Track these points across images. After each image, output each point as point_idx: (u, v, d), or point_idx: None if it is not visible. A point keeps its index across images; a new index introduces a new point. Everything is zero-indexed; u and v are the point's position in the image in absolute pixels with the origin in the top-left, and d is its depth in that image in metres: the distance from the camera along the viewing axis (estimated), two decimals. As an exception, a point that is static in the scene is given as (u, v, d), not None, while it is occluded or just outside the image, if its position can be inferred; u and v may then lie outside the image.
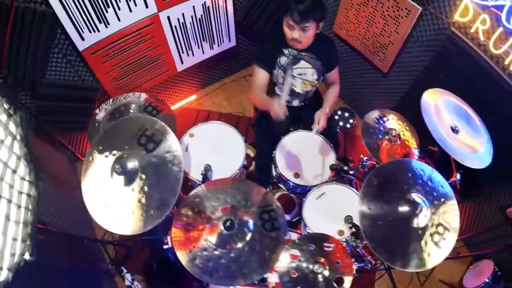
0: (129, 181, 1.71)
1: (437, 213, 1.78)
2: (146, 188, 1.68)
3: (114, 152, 1.78)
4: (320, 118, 2.27)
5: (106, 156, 1.79)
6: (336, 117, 3.55)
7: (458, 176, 2.33)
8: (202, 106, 3.85)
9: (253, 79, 2.37)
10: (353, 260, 2.23)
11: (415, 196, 1.77)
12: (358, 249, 2.05)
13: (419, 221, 1.72)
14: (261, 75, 2.33)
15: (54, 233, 2.28)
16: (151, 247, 2.82)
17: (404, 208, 1.74)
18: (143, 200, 1.66)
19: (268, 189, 2.62)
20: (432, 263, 1.68)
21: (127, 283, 2.58)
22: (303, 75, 2.39)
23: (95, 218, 1.69)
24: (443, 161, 2.20)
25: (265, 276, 2.06)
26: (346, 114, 3.56)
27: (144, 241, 2.78)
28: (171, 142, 1.73)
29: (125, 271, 2.62)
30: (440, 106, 2.16)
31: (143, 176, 1.71)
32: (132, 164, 1.73)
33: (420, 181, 1.81)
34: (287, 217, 2.65)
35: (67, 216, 2.59)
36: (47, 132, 2.81)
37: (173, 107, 3.74)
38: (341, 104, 3.96)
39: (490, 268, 2.79)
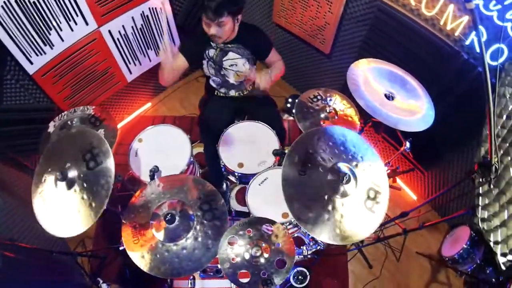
0: (70, 185, 1.79)
1: (364, 178, 1.75)
2: (86, 185, 1.77)
3: (60, 162, 1.86)
4: (261, 76, 2.29)
5: (50, 171, 1.88)
6: (288, 105, 3.59)
7: (408, 144, 2.37)
8: (157, 113, 3.93)
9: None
10: (312, 243, 2.29)
11: (343, 166, 1.75)
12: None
13: (345, 192, 1.70)
14: (179, 60, 2.37)
15: (24, 248, 2.36)
16: (123, 254, 2.86)
17: (330, 177, 1.73)
18: (85, 196, 1.74)
19: (226, 184, 2.67)
20: (369, 231, 1.66)
21: (104, 293, 2.64)
22: (234, 66, 2.44)
23: (47, 229, 1.77)
24: (391, 131, 2.23)
25: (219, 267, 2.12)
26: (296, 101, 3.59)
27: (115, 249, 2.83)
28: (109, 167, 1.77)
29: (101, 281, 2.68)
30: (370, 75, 2.20)
31: (82, 175, 1.80)
32: (72, 173, 1.81)
33: (340, 147, 1.80)
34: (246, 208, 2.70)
35: (37, 232, 2.66)
36: (10, 157, 2.88)
37: (129, 117, 3.82)
38: (292, 91, 4.03)
39: (466, 233, 2.79)
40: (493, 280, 2.52)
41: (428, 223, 2.81)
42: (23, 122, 2.80)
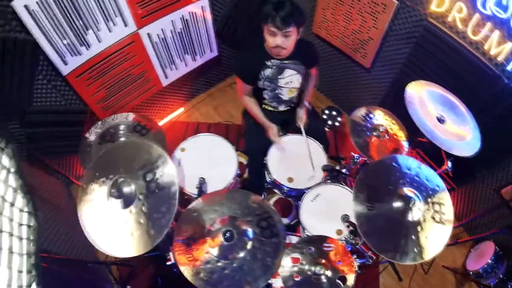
0: (126, 204, 1.73)
1: (430, 206, 1.81)
2: (144, 209, 1.70)
3: (111, 176, 1.79)
4: (301, 115, 2.47)
5: (103, 181, 1.80)
6: (324, 117, 3.58)
7: (449, 164, 2.37)
8: (190, 118, 3.86)
9: (238, 86, 2.46)
10: (354, 257, 2.27)
11: (407, 191, 1.81)
12: (357, 246, 2.08)
13: (414, 215, 1.77)
14: (244, 86, 2.41)
15: (57, 259, 2.29)
16: (155, 263, 2.82)
17: (397, 204, 1.78)
18: (142, 221, 1.67)
19: (263, 195, 2.64)
20: (430, 254, 1.71)
21: (134, 301, 2.59)
22: (289, 84, 2.40)
23: (96, 245, 1.71)
24: (434, 150, 2.23)
25: (269, 282, 2.09)
26: (334, 113, 3.59)
27: (147, 258, 2.78)
28: (174, 192, 1.71)
29: (131, 289, 2.64)
30: (425, 98, 2.20)
31: (141, 197, 1.72)
32: (128, 188, 1.75)
33: (409, 176, 1.86)
34: (286, 220, 2.68)
35: (68, 241, 2.59)
36: (39, 159, 2.81)
37: (161, 122, 3.76)
38: (328, 103, 4.00)
39: (491, 249, 2.84)
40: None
41: (461, 240, 2.85)
42: (54, 124, 2.73)
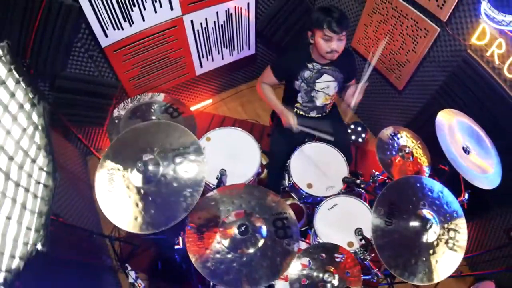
0: (147, 180, 1.72)
1: (446, 231, 1.82)
2: (164, 190, 1.70)
3: (140, 150, 1.78)
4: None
5: (130, 154, 1.78)
6: (349, 131, 3.58)
7: (466, 195, 2.37)
8: (217, 111, 3.88)
9: (264, 75, 2.44)
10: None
11: (426, 212, 1.80)
12: (365, 262, 2.08)
13: (429, 237, 1.76)
14: (271, 79, 2.40)
15: (64, 225, 2.31)
16: (158, 246, 2.83)
17: (415, 223, 1.77)
18: (159, 201, 1.67)
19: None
20: (437, 279, 1.71)
21: (131, 280, 2.59)
22: (325, 89, 2.41)
23: (106, 214, 1.67)
24: (452, 180, 2.24)
25: (272, 283, 2.09)
26: (359, 128, 3.58)
27: (151, 240, 2.79)
28: (202, 180, 1.71)
29: (129, 268, 2.64)
30: (454, 127, 2.20)
31: (163, 179, 1.72)
32: (155, 166, 1.74)
33: (430, 199, 1.86)
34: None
35: (77, 210, 2.62)
36: (63, 124, 2.83)
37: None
38: (354, 118, 4.00)
39: (491, 288, 2.82)
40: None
41: (465, 274, 2.81)
42: (83, 93, 2.76)
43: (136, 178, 1.72)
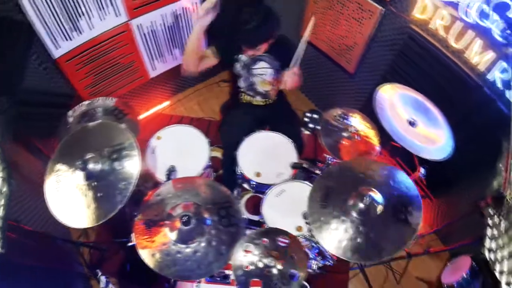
0: (89, 177, 1.78)
1: (390, 204, 1.79)
2: (103, 183, 1.77)
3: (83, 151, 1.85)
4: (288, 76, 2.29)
5: (73, 156, 1.86)
6: (306, 119, 3.61)
7: (422, 170, 2.39)
8: (175, 112, 3.92)
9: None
10: (319, 258, 2.29)
11: (366, 190, 1.79)
12: (317, 245, 2.10)
13: (374, 213, 1.74)
14: (209, 53, 2.38)
15: (28, 231, 2.34)
16: (125, 249, 2.85)
17: (353, 203, 1.77)
18: (99, 194, 1.75)
19: (237, 191, 2.67)
20: (389, 254, 1.68)
21: (102, 285, 2.61)
22: (263, 75, 2.46)
23: (54, 214, 1.76)
24: (407, 156, 2.25)
25: (227, 273, 2.12)
26: (316, 116, 3.62)
27: (118, 243, 2.82)
28: (134, 173, 1.77)
29: (100, 273, 2.66)
30: (396, 101, 2.22)
31: (103, 174, 1.79)
32: (93, 166, 1.80)
33: (370, 177, 1.86)
34: (256, 217, 2.69)
35: (43, 217, 2.64)
36: (24, 137, 2.87)
37: (147, 113, 3.82)
38: (311, 106, 4.04)
39: (467, 263, 2.79)
40: (488, 311, 2.54)
41: (433, 250, 2.82)
42: (41, 104, 2.79)
43: (79, 176, 1.80)
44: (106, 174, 1.78)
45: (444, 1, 2.28)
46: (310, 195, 1.85)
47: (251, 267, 1.76)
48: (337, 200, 1.80)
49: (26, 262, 2.20)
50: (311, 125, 3.57)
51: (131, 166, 1.78)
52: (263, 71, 2.44)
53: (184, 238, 1.77)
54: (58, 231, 2.78)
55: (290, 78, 2.24)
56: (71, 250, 2.89)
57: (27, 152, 2.99)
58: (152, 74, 3.41)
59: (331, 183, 1.87)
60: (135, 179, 1.73)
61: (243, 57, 2.39)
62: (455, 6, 2.22)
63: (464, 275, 2.71)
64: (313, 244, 2.13)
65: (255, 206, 2.76)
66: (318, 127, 3.56)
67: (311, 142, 3.22)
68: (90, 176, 1.78)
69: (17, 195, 2.44)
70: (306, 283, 2.32)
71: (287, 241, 1.85)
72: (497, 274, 1.90)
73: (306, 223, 2.08)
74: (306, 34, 2.10)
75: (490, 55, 2.21)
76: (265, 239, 1.84)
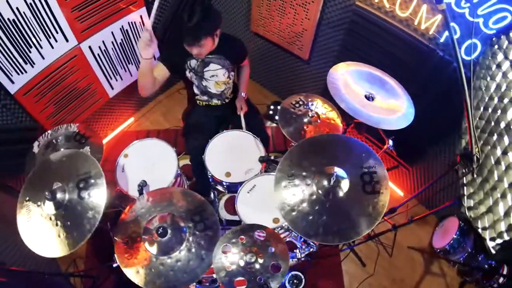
0: (57, 206, 1.79)
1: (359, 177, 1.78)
2: (72, 212, 1.77)
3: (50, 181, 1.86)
4: (241, 104, 2.62)
5: (39, 188, 1.86)
6: (270, 112, 3.63)
7: (391, 142, 2.42)
8: (141, 127, 3.93)
9: (154, 70, 2.34)
10: (304, 246, 2.31)
11: (329, 169, 1.79)
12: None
13: (341, 190, 1.74)
14: (162, 69, 2.35)
15: (15, 272, 2.32)
16: (116, 272, 2.84)
17: (321, 184, 1.76)
18: (69, 223, 1.75)
19: (214, 194, 2.69)
20: (364, 232, 1.66)
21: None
22: (215, 77, 2.47)
23: (28, 245, 1.78)
24: (373, 131, 2.27)
25: (215, 276, 2.12)
26: (279, 107, 3.62)
27: (107, 267, 2.80)
28: (100, 203, 1.76)
29: (96, 301, 2.66)
30: (349, 78, 2.24)
31: (70, 203, 1.79)
32: (61, 195, 1.81)
33: (329, 153, 1.87)
34: (237, 217, 2.70)
35: (26, 254, 2.61)
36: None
37: (113, 133, 3.80)
38: (274, 98, 4.07)
39: (455, 224, 2.87)
40: (486, 266, 2.59)
41: (416, 217, 2.85)
42: (6, 142, 2.76)
43: (48, 206, 1.80)
44: (75, 203, 1.78)
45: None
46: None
47: (233, 267, 1.77)
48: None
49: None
50: (277, 117, 3.58)
51: (98, 195, 1.77)
52: (214, 73, 2.45)
53: (164, 250, 1.78)
54: (46, 265, 2.76)
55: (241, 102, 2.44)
56: (63, 283, 2.87)
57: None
58: (112, 93, 3.40)
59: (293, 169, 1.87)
60: (103, 208, 1.73)
61: (192, 62, 2.39)
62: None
63: (454, 236, 2.77)
64: (295, 233, 2.14)
65: (234, 206, 2.78)
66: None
67: (280, 134, 3.23)
68: (58, 206, 1.79)
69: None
70: (300, 273, 2.37)
71: (264, 234, 1.87)
72: (480, 231, 1.94)
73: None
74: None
75: (439, 17, 2.24)
76: (242, 237, 1.86)
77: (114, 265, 1.95)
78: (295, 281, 2.29)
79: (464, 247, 2.76)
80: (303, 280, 2.33)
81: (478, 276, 2.64)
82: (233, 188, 2.38)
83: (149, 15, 3.07)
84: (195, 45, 2.14)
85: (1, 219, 2.63)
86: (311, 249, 2.30)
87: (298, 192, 1.78)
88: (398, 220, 2.57)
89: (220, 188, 2.48)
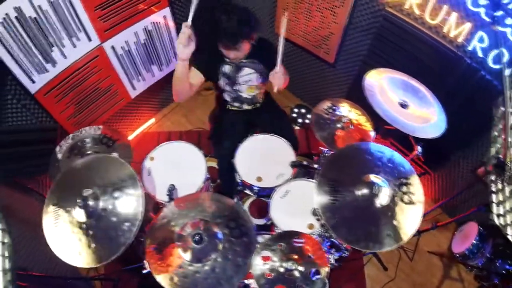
0: (89, 215, 1.74)
1: (397, 188, 1.82)
2: (105, 223, 1.73)
3: (79, 188, 1.80)
4: (275, 77, 2.19)
5: (70, 193, 1.81)
6: (294, 115, 3.61)
7: (419, 148, 2.41)
8: (162, 128, 3.88)
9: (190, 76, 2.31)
10: (333, 250, 2.29)
11: (371, 177, 1.81)
12: (332, 239, 2.10)
13: (381, 200, 1.76)
14: (196, 75, 2.32)
15: (37, 277, 2.28)
16: (138, 275, 2.81)
17: (362, 192, 1.78)
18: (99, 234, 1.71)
19: (237, 198, 2.66)
20: (405, 237, 1.71)
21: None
22: (249, 82, 2.44)
23: (57, 254, 1.72)
24: (402, 138, 2.27)
25: (247, 282, 2.10)
26: (303, 110, 3.62)
27: (129, 270, 2.77)
28: (138, 216, 1.72)
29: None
30: (385, 85, 2.23)
31: (104, 213, 1.75)
32: (94, 202, 1.76)
33: (371, 162, 1.87)
34: (262, 221, 2.69)
35: (47, 259, 2.58)
36: (14, 179, 2.79)
37: (133, 134, 3.75)
38: (297, 101, 4.04)
39: (474, 229, 2.87)
40: (503, 271, 2.60)
41: (440, 223, 2.86)
42: (26, 143, 2.72)
43: (79, 213, 1.75)
44: (109, 213, 1.74)
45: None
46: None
47: (273, 274, 1.76)
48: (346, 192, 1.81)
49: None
50: (300, 120, 3.57)
51: (135, 206, 1.74)
52: (248, 78, 2.42)
53: (199, 257, 1.74)
54: (65, 269, 2.73)
55: (278, 79, 2.18)
56: (83, 286, 2.83)
57: (19, 193, 2.91)
58: (133, 94, 3.36)
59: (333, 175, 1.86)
60: (139, 221, 1.69)
61: (226, 68, 2.36)
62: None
63: (474, 241, 2.77)
64: (325, 238, 2.12)
65: (259, 210, 2.76)
66: (307, 121, 3.59)
67: (303, 136, 3.22)
68: (91, 214, 1.74)
69: (17, 241, 2.39)
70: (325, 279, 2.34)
71: (301, 241, 1.84)
72: (510, 238, 1.93)
73: (317, 219, 2.08)
74: (283, 31, 2.07)
75: (467, 26, 2.23)
76: (280, 244, 1.84)
77: (144, 271, 1.92)
78: (319, 285, 2.28)
79: (483, 253, 2.76)
80: (327, 285, 2.31)
81: (496, 282, 2.64)
82: (262, 192, 2.35)
83: (173, 15, 3.05)
84: (233, 48, 2.11)
85: (21, 221, 2.59)
86: (343, 254, 2.28)
87: (341, 199, 1.78)
88: (421, 225, 2.58)
89: (248, 192, 2.44)
